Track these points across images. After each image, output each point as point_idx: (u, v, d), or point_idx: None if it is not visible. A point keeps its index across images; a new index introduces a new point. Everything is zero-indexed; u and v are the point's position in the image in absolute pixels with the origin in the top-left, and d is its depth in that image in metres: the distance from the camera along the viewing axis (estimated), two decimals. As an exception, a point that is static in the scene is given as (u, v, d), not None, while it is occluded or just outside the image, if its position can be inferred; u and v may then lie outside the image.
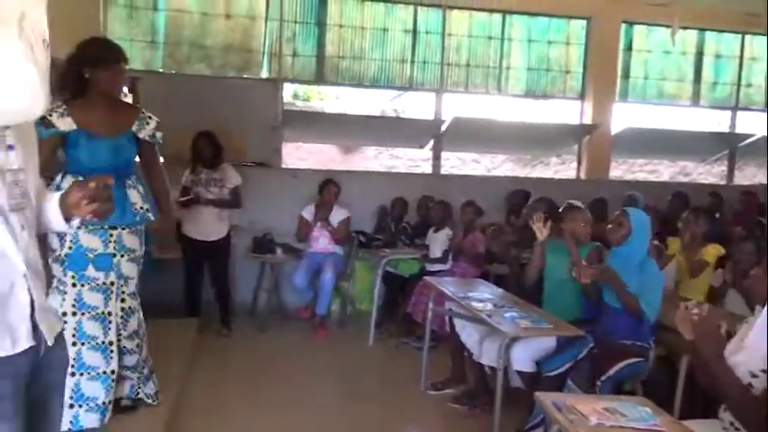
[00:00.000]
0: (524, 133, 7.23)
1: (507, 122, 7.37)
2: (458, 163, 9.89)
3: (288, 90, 8.11)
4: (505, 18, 6.83)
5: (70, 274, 2.80)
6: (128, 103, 3.22)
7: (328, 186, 5.51)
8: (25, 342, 1.32)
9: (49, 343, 1.40)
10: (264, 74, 6.34)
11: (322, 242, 5.47)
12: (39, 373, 1.37)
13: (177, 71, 6.15)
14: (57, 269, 2.81)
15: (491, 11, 6.74)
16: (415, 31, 6.63)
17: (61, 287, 2.80)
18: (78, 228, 2.64)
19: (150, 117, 3.00)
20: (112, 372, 2.85)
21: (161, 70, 6.10)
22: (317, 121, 7.49)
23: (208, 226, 5.02)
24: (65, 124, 2.75)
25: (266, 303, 5.62)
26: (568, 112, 7.37)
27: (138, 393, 3.11)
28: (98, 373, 2.81)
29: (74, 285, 2.80)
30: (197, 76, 6.12)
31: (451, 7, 6.63)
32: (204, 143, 5.02)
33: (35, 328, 1.35)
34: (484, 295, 3.75)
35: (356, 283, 5.80)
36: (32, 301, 1.34)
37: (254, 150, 6.02)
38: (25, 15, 1.07)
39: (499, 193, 6.23)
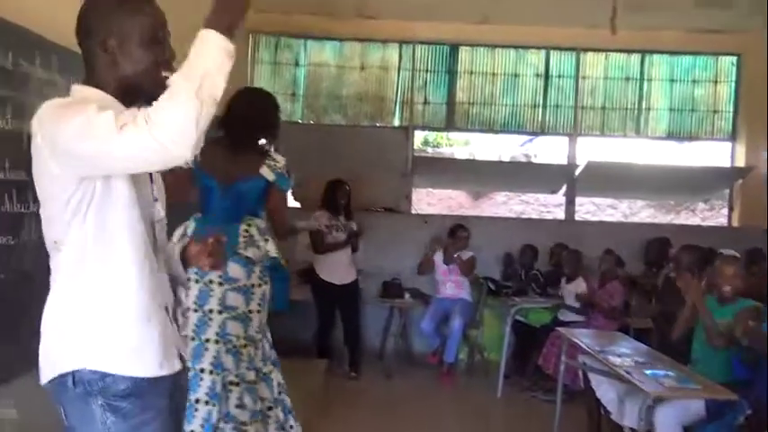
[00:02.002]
0: (667, 177, 6.80)
1: (647, 166, 6.97)
2: (593, 209, 9.47)
3: (418, 137, 8.26)
4: (645, 58, 6.55)
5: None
6: None
7: (458, 232, 5.48)
8: (177, 364, 1.50)
9: (187, 366, 1.60)
10: (396, 121, 6.52)
11: (449, 288, 5.42)
12: (174, 394, 1.54)
13: (315, 121, 6.50)
14: (258, 320, 2.80)
15: (629, 51, 6.50)
16: (547, 75, 6.54)
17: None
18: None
19: None
20: None
21: (300, 120, 6.48)
22: (446, 167, 7.54)
23: (341, 269, 5.15)
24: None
25: (394, 348, 5.64)
26: (718, 154, 6.85)
27: None
28: None
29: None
30: (333, 126, 6.42)
31: (586, 50, 6.47)
32: (343, 191, 5.19)
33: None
34: (622, 350, 3.49)
35: (485, 332, 5.66)
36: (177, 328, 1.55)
37: (384, 196, 6.16)
38: (207, 73, 1.24)
39: (638, 241, 5.87)
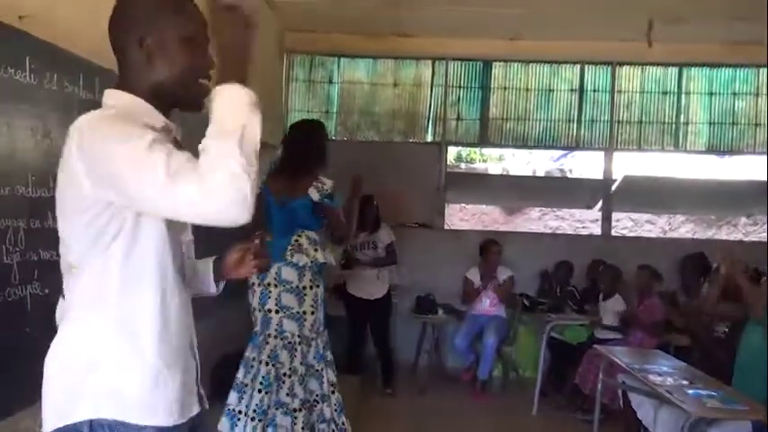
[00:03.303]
0: (707, 191, 6.64)
1: (686, 180, 6.83)
2: (630, 224, 9.30)
3: (452, 152, 8.25)
4: (682, 71, 6.44)
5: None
6: None
7: (490, 247, 5.44)
8: (196, 407, 1.38)
9: (206, 406, 1.44)
10: (429, 137, 6.52)
11: (485, 303, 5.37)
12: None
13: (349, 138, 6.55)
14: (311, 320, 3.21)
15: (666, 65, 6.39)
16: (582, 90, 6.47)
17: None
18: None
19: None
20: None
21: (334, 137, 6.53)
22: (480, 182, 7.52)
23: (370, 284, 5.15)
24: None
25: (427, 364, 5.60)
26: (760, 167, 6.65)
27: None
28: None
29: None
30: (366, 142, 6.46)
31: (622, 63, 6.40)
32: (369, 207, 5.13)
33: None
34: (663, 368, 3.41)
35: (519, 349, 5.59)
36: (197, 367, 1.41)
37: (417, 211, 6.16)
38: (246, 128, 1.15)
39: (677, 257, 5.74)
